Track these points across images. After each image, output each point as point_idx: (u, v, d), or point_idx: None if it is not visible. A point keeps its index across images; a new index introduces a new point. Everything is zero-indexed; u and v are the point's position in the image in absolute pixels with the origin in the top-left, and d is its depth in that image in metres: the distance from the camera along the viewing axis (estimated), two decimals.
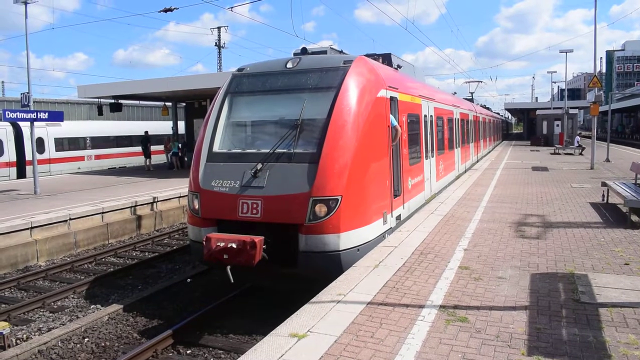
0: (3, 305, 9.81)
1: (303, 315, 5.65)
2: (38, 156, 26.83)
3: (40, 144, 27.41)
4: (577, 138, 36.62)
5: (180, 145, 27.79)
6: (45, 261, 12.91)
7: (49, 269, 12.01)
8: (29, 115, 18.14)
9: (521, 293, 6.23)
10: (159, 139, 33.50)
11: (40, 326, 8.72)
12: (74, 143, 30.53)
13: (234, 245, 7.48)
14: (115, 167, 31.81)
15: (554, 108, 52.74)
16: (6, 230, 12.26)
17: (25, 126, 26.58)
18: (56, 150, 28.93)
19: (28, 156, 26.79)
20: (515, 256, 7.88)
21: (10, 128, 26.70)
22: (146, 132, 29.12)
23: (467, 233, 9.51)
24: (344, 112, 8.32)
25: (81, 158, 30.76)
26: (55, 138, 28.83)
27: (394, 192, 9.64)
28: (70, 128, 29.87)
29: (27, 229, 12.76)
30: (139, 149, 33.96)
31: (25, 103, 18.39)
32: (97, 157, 31.95)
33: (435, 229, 9.88)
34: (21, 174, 26.68)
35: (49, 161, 28.39)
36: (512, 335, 5.01)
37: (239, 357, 4.93)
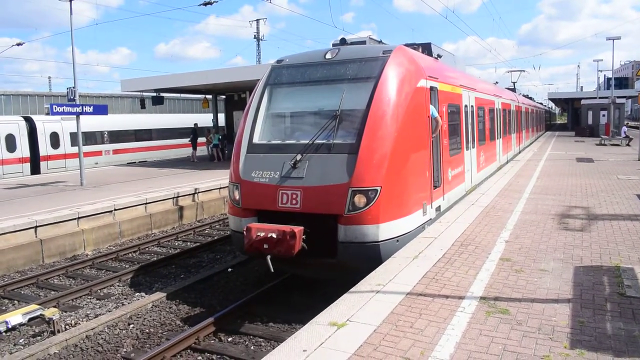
0: (53, 292, 10.18)
1: (342, 304, 5.69)
2: (52, 151, 27.01)
3: (54, 139, 27.44)
4: (624, 128, 35.49)
5: (220, 137, 28.14)
6: (91, 250, 13.32)
7: (95, 257, 12.40)
8: (75, 109, 18.65)
9: (564, 286, 6.12)
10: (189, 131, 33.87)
11: (88, 312, 9.02)
12: (91, 137, 29.50)
13: (274, 235, 7.57)
14: (134, 162, 31.15)
15: (600, 97, 51.17)
16: (55, 220, 12.71)
17: (39, 120, 26.78)
18: (72, 145, 27.75)
19: (42, 152, 26.83)
20: (558, 248, 7.73)
21: (23, 123, 26.45)
22: (195, 125, 29.49)
23: (509, 225, 9.37)
24: (383, 103, 8.29)
25: (98, 153, 30.01)
26: (71, 132, 27.64)
27: (433, 183, 9.55)
28: (86, 122, 28.42)
29: (75, 219, 13.19)
30: (160, 142, 34.03)
31: (72, 97, 18.89)
32: (116, 151, 31.26)
33: (475, 220, 9.76)
34: (35, 170, 26.48)
35: (65, 156, 27.87)
36: (554, 328, 4.93)
37: (279, 344, 5.00)
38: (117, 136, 31.56)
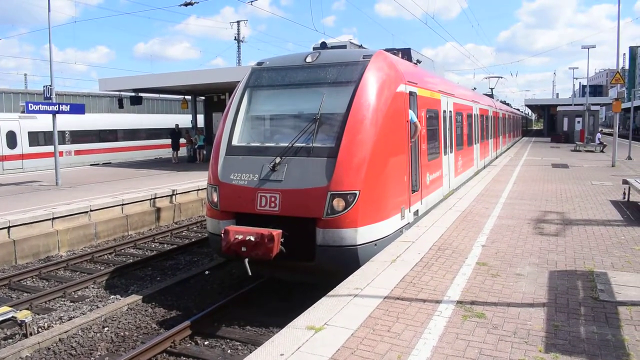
0: (25, 294, 9.99)
1: (320, 308, 5.69)
2: (9, 151, 25.71)
3: (11, 139, 26.17)
4: (599, 135, 36.12)
5: (204, 138, 27.98)
6: (66, 251, 13.11)
7: (70, 259, 12.20)
8: (51, 108, 18.39)
9: (539, 290, 6.19)
10: (157, 132, 33.42)
11: (61, 315, 8.88)
12: (51, 137, 27.20)
13: (252, 238, 7.53)
14: (98, 164, 29.48)
15: (575, 104, 52.15)
16: (29, 221, 12.47)
17: None
18: (30, 145, 26.85)
19: None
20: (533, 253, 7.83)
21: None
22: (176, 125, 29.14)
23: (485, 229, 9.46)
24: (362, 107, 8.32)
25: (59, 153, 28.63)
26: (29, 132, 26.82)
27: (412, 188, 9.61)
28: (46, 121, 25.56)
29: (49, 219, 12.97)
30: (125, 144, 32.91)
31: (48, 96, 18.64)
32: (78, 152, 29.49)
33: (453, 224, 9.84)
34: None
35: (22, 157, 26.54)
36: (529, 332, 4.99)
37: (256, 348, 4.97)
38: (79, 136, 29.90)
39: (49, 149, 27.11)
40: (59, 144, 27.72)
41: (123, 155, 32.54)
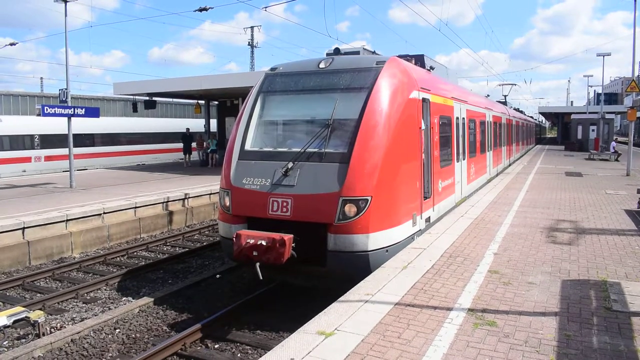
0: (38, 295, 10.10)
1: (331, 313, 5.69)
2: None
3: None
4: (613, 144, 35.83)
5: (217, 142, 28.20)
6: (79, 253, 13.23)
7: (83, 260, 12.31)
8: (66, 111, 18.58)
9: (551, 299, 6.15)
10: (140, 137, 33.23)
11: (74, 316, 8.95)
12: (18, 142, 26.34)
13: (264, 243, 7.57)
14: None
15: (589, 112, 51.67)
16: (43, 222, 12.60)
17: None
18: None
19: None
20: (546, 262, 7.78)
21: None
22: (187, 129, 29.25)
23: (498, 237, 9.41)
24: (375, 113, 8.33)
25: (27, 159, 26.54)
26: None
27: (424, 194, 9.59)
28: (13, 124, 26.03)
29: (63, 221, 13.09)
30: (103, 149, 31.38)
31: (63, 99, 18.84)
32: (48, 158, 27.24)
33: (465, 232, 9.80)
34: None
35: None
36: (541, 341, 4.96)
37: (266, 352, 4.98)
38: (50, 141, 27.44)
39: (14, 154, 26.05)
40: (28, 149, 26.65)
41: (100, 162, 30.81)
